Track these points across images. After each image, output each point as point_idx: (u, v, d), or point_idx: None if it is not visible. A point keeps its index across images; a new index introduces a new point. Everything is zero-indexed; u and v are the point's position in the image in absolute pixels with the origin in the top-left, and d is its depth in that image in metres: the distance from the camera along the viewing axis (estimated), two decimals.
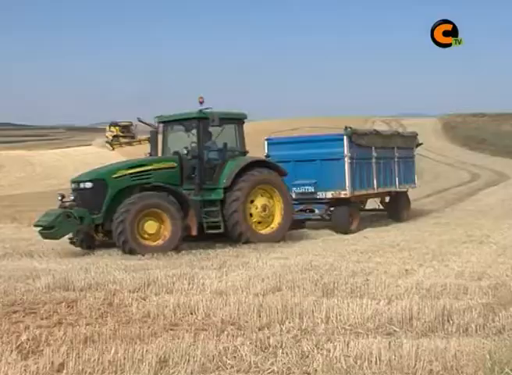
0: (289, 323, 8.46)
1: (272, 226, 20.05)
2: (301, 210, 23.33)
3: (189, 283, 11.55)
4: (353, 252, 15.95)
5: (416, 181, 29.34)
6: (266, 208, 19.86)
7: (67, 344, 7.58)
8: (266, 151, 24.22)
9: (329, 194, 23.50)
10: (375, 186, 25.25)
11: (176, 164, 19.42)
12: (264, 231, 19.90)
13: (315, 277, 11.80)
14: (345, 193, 23.35)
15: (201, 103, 19.87)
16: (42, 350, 7.35)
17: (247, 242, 18.80)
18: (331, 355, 6.83)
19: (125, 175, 18.77)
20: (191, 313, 9.27)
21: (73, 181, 19.09)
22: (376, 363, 6.61)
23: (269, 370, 6.45)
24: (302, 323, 8.40)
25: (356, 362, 6.61)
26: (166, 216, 17.97)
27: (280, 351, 7.04)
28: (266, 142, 25.35)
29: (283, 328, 8.18)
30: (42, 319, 9.14)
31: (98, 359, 6.80)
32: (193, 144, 19.73)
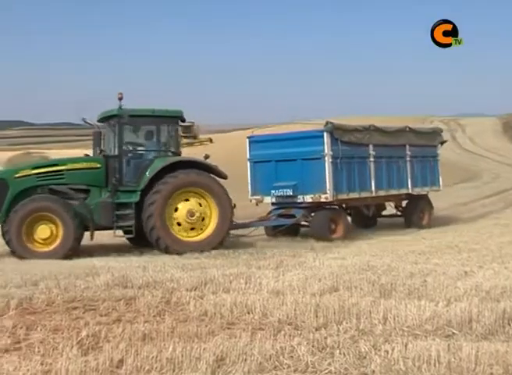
0: (347, 323, 8.42)
1: (205, 232, 18.61)
2: (280, 215, 21.63)
3: (246, 283, 11.55)
4: (411, 253, 15.80)
5: (441, 183, 26.21)
6: (194, 214, 18.39)
7: (126, 340, 7.67)
8: (247, 150, 22.93)
9: (309, 198, 21.02)
10: (373, 189, 22.50)
11: (99, 164, 18.76)
12: (195, 238, 18.48)
13: (372, 278, 11.72)
14: (325, 197, 20.69)
15: (120, 99, 18.87)
16: (101, 346, 7.45)
17: (168, 251, 17.76)
18: (389, 356, 6.78)
19: (29, 175, 18.33)
20: (248, 312, 9.27)
21: None
22: (435, 365, 6.53)
23: (326, 371, 6.43)
24: (359, 324, 8.36)
25: (414, 364, 6.54)
26: (58, 221, 17.53)
27: (337, 351, 7.01)
28: (247, 140, 23.33)
29: (340, 328, 8.14)
30: (101, 315, 9.27)
31: (156, 357, 6.85)
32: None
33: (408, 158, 24.24)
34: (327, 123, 21.40)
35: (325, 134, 21.02)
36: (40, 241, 17.44)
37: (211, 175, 18.89)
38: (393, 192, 23.78)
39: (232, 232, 19.93)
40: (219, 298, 10.22)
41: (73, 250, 17.49)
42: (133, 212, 18.15)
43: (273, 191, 21.54)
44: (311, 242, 19.51)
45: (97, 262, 15.46)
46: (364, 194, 22.33)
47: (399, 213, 25.51)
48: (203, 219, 18.59)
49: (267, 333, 8.01)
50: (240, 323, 8.75)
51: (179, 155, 19.61)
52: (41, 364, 6.75)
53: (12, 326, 8.53)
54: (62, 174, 18.49)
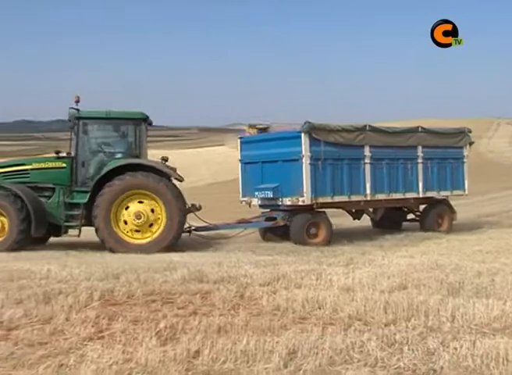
0: (415, 320, 8.34)
1: (153, 234, 18.42)
2: (268, 218, 20.87)
3: (317, 279, 11.54)
4: (478, 252, 15.61)
5: (466, 187, 23.61)
6: (141, 216, 18.24)
7: (202, 333, 7.73)
8: (239, 150, 22.19)
9: (288, 201, 19.92)
10: (368, 192, 20.83)
11: (65, 164, 19.04)
12: (140, 241, 18.34)
13: (440, 276, 11.58)
14: (303, 200, 19.45)
15: (76, 102, 19.07)
16: (179, 337, 7.53)
17: (112, 251, 17.71)
18: (457, 353, 6.69)
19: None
20: (319, 308, 9.25)
21: None
22: (503, 363, 6.41)
23: (395, 366, 6.38)
24: (427, 321, 8.26)
25: (482, 362, 6.43)
26: (5, 215, 18.20)
27: (406, 347, 6.95)
28: (239, 141, 22.46)
29: (409, 325, 8.06)
30: (178, 308, 9.35)
31: (231, 349, 6.89)
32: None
33: (420, 160, 22.37)
34: (305, 123, 19.72)
35: (302, 135, 19.62)
36: None
37: (163, 178, 18.61)
38: (397, 196, 21.80)
39: (208, 233, 20.34)
40: (291, 293, 10.22)
41: (20, 243, 18.11)
42: (80, 212, 18.41)
43: (256, 193, 20.83)
44: (380, 241, 19.40)
45: (174, 257, 15.67)
46: (355, 198, 20.73)
47: (416, 218, 23.92)
48: (151, 223, 18.48)
49: (337, 328, 7.99)
50: (312, 317, 8.73)
51: (138, 157, 19.37)
52: (123, 353, 6.86)
53: (95, 316, 8.69)
54: (28, 173, 19.15)
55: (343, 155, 20.44)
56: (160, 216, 18.38)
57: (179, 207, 18.39)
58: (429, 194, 22.65)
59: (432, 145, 22.69)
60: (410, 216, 24.50)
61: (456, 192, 23.66)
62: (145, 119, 19.77)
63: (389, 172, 21.46)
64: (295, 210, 20.04)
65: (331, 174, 20.00)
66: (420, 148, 22.34)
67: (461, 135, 23.94)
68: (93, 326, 8.17)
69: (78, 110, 19.02)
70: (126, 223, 18.39)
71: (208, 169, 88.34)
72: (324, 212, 20.50)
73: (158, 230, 18.33)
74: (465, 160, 23.89)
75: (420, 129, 22.77)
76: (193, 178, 75.24)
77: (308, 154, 19.50)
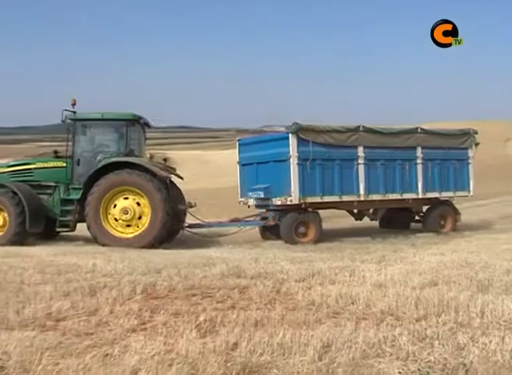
0: (445, 315, 8.29)
1: (139, 230, 18.77)
2: (263, 217, 20.83)
3: (350, 275, 11.54)
4: (508, 251, 15.46)
5: (471, 188, 22.64)
6: (128, 211, 18.68)
7: (240, 326, 7.76)
8: (237, 153, 22.04)
9: (278, 201, 19.85)
10: (362, 192, 20.35)
11: (65, 164, 19.70)
12: (130, 235, 18.72)
13: (470, 274, 11.49)
14: (291, 199, 19.30)
15: (73, 105, 19.64)
16: (218, 330, 7.57)
17: (104, 245, 18.02)
18: (486, 348, 6.64)
19: (4, 172, 20.32)
20: (352, 303, 9.24)
21: None
22: None
23: (426, 360, 6.35)
24: (457, 317, 8.21)
25: (511, 357, 6.42)
26: (5, 211, 19.07)
27: (437, 342, 6.93)
28: (237, 143, 22.45)
29: (439, 320, 8.02)
30: (217, 302, 9.40)
31: (268, 341, 6.91)
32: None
33: (420, 161, 21.65)
34: (293, 124, 19.48)
35: (290, 136, 19.43)
36: None
37: (148, 174, 18.77)
38: (395, 197, 21.15)
39: (202, 231, 20.68)
40: (325, 289, 10.22)
41: (19, 235, 18.91)
42: (74, 208, 19.22)
43: (250, 194, 20.84)
44: (412, 239, 19.35)
45: (213, 253, 15.80)
46: (347, 198, 20.32)
47: (420, 219, 23.34)
48: (140, 217, 18.84)
49: (370, 322, 7.99)
50: (345, 312, 8.73)
51: (130, 156, 19.79)
52: (164, 344, 6.92)
53: (138, 309, 8.77)
54: (32, 172, 20.06)
55: (334, 155, 20.05)
56: (145, 210, 18.73)
57: (162, 200, 18.51)
58: (430, 195, 21.90)
59: (432, 146, 21.97)
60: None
61: (459, 193, 22.76)
62: (137, 120, 20.29)
63: (384, 172, 20.88)
64: (285, 210, 19.83)
65: (320, 174, 19.69)
66: (419, 149, 21.66)
67: (466, 136, 23.00)
68: (136, 319, 8.25)
69: (74, 112, 19.64)
70: (116, 220, 18.93)
71: None
72: (315, 211, 20.12)
73: (145, 224, 18.65)
74: (470, 161, 22.95)
75: (419, 130, 22.09)
76: (230, 178, 75.53)
77: (296, 154, 19.32)
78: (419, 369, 6.01)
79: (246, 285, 10.62)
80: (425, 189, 21.57)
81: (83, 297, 9.63)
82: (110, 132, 20.24)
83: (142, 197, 18.68)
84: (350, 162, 20.20)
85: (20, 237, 18.87)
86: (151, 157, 21.05)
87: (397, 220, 22.63)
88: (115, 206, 18.83)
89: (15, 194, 19.04)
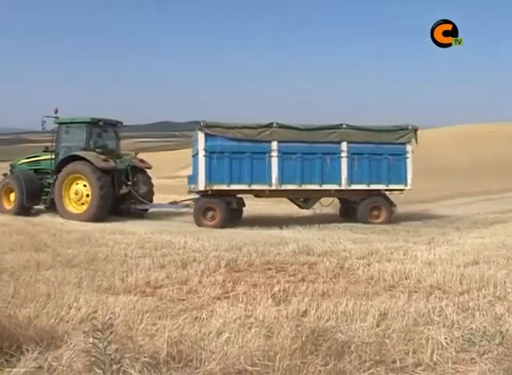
0: (485, 290, 8.21)
1: (87, 207, 20.64)
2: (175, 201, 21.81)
3: (404, 254, 11.51)
4: None
5: (409, 182, 20.30)
6: (78, 193, 20.84)
7: (309, 296, 7.84)
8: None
9: (193, 188, 20.19)
10: (274, 182, 19.37)
11: (53, 156, 22.29)
12: (80, 211, 20.73)
13: (507, 254, 11.37)
14: (197, 187, 19.44)
15: (55, 112, 22.22)
16: (290, 299, 7.66)
17: (63, 218, 20.30)
18: None
19: (24, 163, 23.36)
20: (406, 278, 9.23)
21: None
22: None
23: (468, 327, 6.31)
24: (496, 291, 8.13)
25: None
26: (13, 190, 22.24)
27: (477, 312, 6.89)
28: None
29: (480, 294, 7.96)
30: (290, 276, 9.49)
31: (333, 310, 6.97)
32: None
33: (345, 155, 19.96)
34: (201, 121, 19.48)
35: (198, 132, 19.43)
36: (8, 202, 22.49)
37: (94, 164, 20.55)
38: (313, 187, 19.89)
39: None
40: (382, 265, 10.23)
41: (20, 208, 21.83)
42: (50, 189, 21.74)
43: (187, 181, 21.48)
44: (456, 224, 19.11)
45: (286, 233, 15.90)
46: (257, 187, 19.57)
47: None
48: (88, 196, 20.77)
49: (420, 295, 7.97)
50: (399, 286, 8.72)
51: (90, 151, 21.58)
52: (244, 310, 7.04)
53: (222, 280, 8.93)
54: (39, 162, 22.85)
55: (245, 148, 19.48)
56: (89, 193, 20.67)
57: (100, 186, 20.36)
58: (355, 187, 20.21)
59: (360, 141, 20.26)
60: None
61: (394, 186, 20.61)
62: (96, 123, 22.04)
63: (302, 164, 19.75)
64: (204, 196, 19.80)
65: (228, 165, 19.29)
66: (345, 144, 20.10)
67: (402, 132, 20.75)
68: (220, 288, 8.40)
69: (57, 117, 22.21)
70: (71, 199, 21.13)
71: None
72: (221, 197, 19.60)
73: (89, 202, 20.64)
74: (408, 156, 20.57)
75: (344, 126, 20.49)
76: None
77: (203, 148, 19.28)
78: (462, 336, 5.99)
79: (314, 261, 10.70)
80: (350, 181, 20.09)
81: (176, 269, 9.86)
82: (75, 132, 22.20)
83: (87, 182, 20.68)
84: (263, 154, 19.52)
85: (21, 210, 21.74)
86: (136, 153, 24.18)
87: (354, 211, 21.06)
88: (71, 189, 21.09)
89: (18, 178, 22.13)
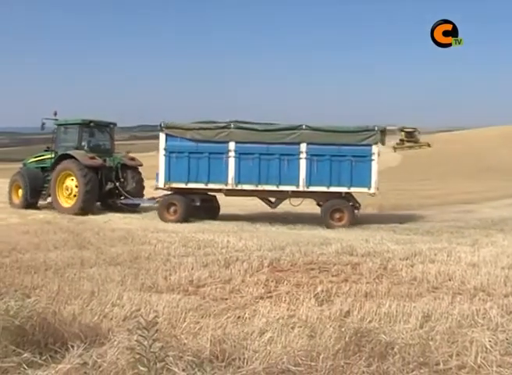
0: None
1: (75, 201, 21.75)
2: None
3: (447, 256, 11.41)
4: None
5: (373, 184, 19.12)
6: (68, 188, 22.06)
7: (352, 296, 7.85)
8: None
9: (158, 186, 20.68)
10: (230, 182, 19.42)
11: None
12: (69, 205, 21.84)
13: None
14: (157, 184, 20.23)
15: (55, 114, 23.41)
16: (333, 300, 7.68)
17: (57, 211, 21.79)
18: None
19: (33, 161, 24.59)
20: (449, 280, 9.17)
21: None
22: None
23: None
24: None
25: None
26: (20, 187, 23.36)
27: None
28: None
29: None
30: (333, 276, 9.49)
31: (376, 310, 6.97)
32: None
33: (304, 156, 19.43)
34: (161, 123, 20.11)
35: (160, 133, 20.08)
36: (17, 197, 23.52)
37: (80, 162, 21.72)
38: (270, 188, 19.65)
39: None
40: (426, 267, 10.17)
41: (26, 202, 22.98)
42: (48, 185, 22.76)
43: None
44: (501, 225, 18.81)
45: (328, 233, 15.86)
46: (214, 186, 19.86)
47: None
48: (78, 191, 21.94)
49: (464, 297, 7.93)
50: (443, 288, 8.67)
51: (77, 149, 22.71)
52: (287, 310, 7.09)
53: (265, 279, 8.98)
54: (45, 161, 23.78)
55: (202, 149, 19.76)
56: (77, 189, 21.82)
57: (85, 182, 21.46)
58: (314, 188, 19.53)
59: (321, 142, 19.58)
60: None
61: (356, 189, 19.61)
62: (87, 124, 23.15)
63: (258, 165, 19.59)
64: (172, 193, 20.39)
65: (186, 165, 19.75)
66: (304, 145, 19.52)
67: (368, 133, 19.65)
68: (263, 288, 8.45)
69: (56, 120, 23.42)
70: (63, 194, 22.28)
71: None
72: (182, 194, 20.09)
73: (77, 197, 21.77)
74: (374, 158, 19.59)
75: (304, 127, 19.88)
76: None
77: (163, 147, 19.94)
78: (507, 339, 5.93)
79: (357, 262, 10.66)
80: (308, 183, 19.48)
81: (219, 268, 9.94)
82: (69, 132, 23.52)
83: (75, 178, 21.84)
84: (220, 155, 19.69)
85: (25, 204, 22.91)
86: (128, 152, 25.18)
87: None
88: (63, 185, 22.26)
89: (23, 176, 23.46)
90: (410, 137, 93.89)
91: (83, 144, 22.98)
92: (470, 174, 57.91)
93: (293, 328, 6.15)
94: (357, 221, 19.10)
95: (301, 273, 9.67)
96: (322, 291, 8.14)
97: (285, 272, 9.78)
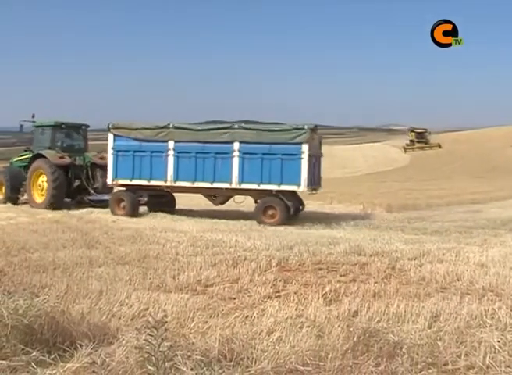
0: None
1: (46, 197, 23.22)
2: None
3: (456, 256, 11.38)
4: None
5: (302, 183, 18.98)
6: (40, 185, 23.54)
7: (360, 296, 7.84)
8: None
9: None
10: (169, 179, 20.29)
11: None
12: (40, 201, 23.31)
13: None
14: (107, 181, 21.74)
15: (33, 117, 25.08)
16: (341, 299, 7.67)
17: (31, 206, 23.29)
18: None
19: (17, 160, 25.93)
20: (458, 280, 9.13)
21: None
22: None
23: None
24: None
25: None
26: (3, 184, 25.09)
27: None
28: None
29: None
30: (341, 276, 9.47)
31: (384, 310, 6.96)
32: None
33: (236, 154, 19.79)
34: (109, 123, 21.33)
35: (108, 134, 21.28)
36: (1, 192, 25.28)
37: (50, 161, 23.24)
38: (204, 185, 20.26)
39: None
40: (434, 267, 10.14)
41: (5, 199, 24.85)
42: (25, 182, 24.31)
43: None
44: (510, 225, 18.74)
45: (336, 233, 15.82)
46: (155, 183, 20.76)
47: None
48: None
49: (473, 297, 7.88)
50: (451, 288, 8.63)
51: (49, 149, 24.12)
52: (295, 309, 7.08)
53: (273, 279, 8.98)
54: (25, 160, 24.87)
55: (145, 148, 20.84)
56: (47, 185, 23.24)
57: (53, 179, 22.94)
58: (246, 186, 19.87)
59: (253, 141, 19.88)
60: None
61: (286, 187, 19.53)
62: (59, 126, 24.64)
63: (194, 163, 20.31)
64: (126, 189, 21.64)
65: (131, 163, 20.88)
66: (237, 144, 19.90)
67: (298, 132, 19.58)
68: (271, 287, 8.45)
69: (34, 122, 24.98)
70: (36, 190, 23.75)
71: (366, 161, 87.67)
72: (129, 190, 21.38)
73: (47, 193, 23.20)
74: (303, 156, 19.37)
75: (236, 126, 20.47)
76: (352, 169, 75.35)
77: (111, 146, 21.24)
78: None
79: (365, 262, 10.64)
80: (241, 180, 19.86)
81: (227, 267, 9.93)
82: (44, 134, 24.71)
83: (45, 176, 23.27)
84: (161, 153, 20.63)
85: (6, 200, 24.74)
86: (99, 152, 25.51)
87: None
88: (36, 182, 23.71)
89: (6, 174, 25.23)
90: (421, 138, 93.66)
91: (57, 144, 24.38)
92: (477, 174, 57.92)
93: (301, 328, 6.15)
94: (368, 221, 19.16)
95: (309, 272, 9.66)
96: (330, 290, 8.13)
97: (293, 271, 9.78)
